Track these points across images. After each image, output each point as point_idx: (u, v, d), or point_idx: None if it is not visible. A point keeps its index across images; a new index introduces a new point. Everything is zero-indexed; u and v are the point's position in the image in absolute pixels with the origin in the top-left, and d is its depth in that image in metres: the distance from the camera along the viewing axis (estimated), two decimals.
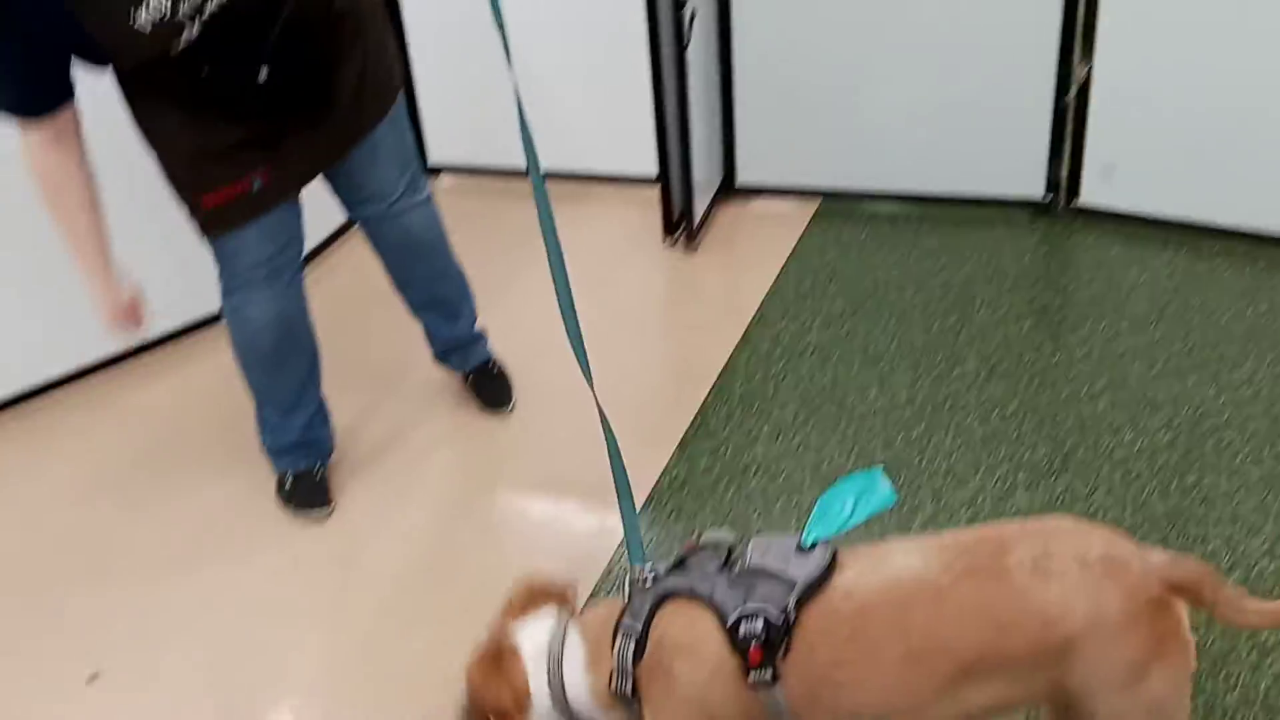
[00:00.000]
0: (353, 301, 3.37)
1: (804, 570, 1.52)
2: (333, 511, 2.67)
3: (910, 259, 3.43)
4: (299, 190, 2.42)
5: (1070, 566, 1.46)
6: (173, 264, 2.89)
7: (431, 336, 2.91)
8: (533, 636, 1.66)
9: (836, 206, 3.74)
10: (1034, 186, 3.52)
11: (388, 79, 2.45)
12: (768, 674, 1.49)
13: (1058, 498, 2.46)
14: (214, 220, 2.31)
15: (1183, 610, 1.49)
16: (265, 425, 2.66)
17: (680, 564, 1.61)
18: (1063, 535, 1.52)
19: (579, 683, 1.62)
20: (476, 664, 1.68)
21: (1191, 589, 1.49)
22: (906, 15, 3.41)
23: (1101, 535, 1.52)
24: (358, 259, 3.22)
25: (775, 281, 3.37)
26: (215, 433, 2.95)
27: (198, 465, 2.86)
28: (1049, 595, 1.44)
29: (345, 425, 2.84)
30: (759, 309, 3.25)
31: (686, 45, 3.27)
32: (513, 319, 3.15)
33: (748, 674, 1.50)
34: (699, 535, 1.65)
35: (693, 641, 1.54)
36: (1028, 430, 2.67)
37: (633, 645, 1.57)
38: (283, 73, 2.15)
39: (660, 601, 1.58)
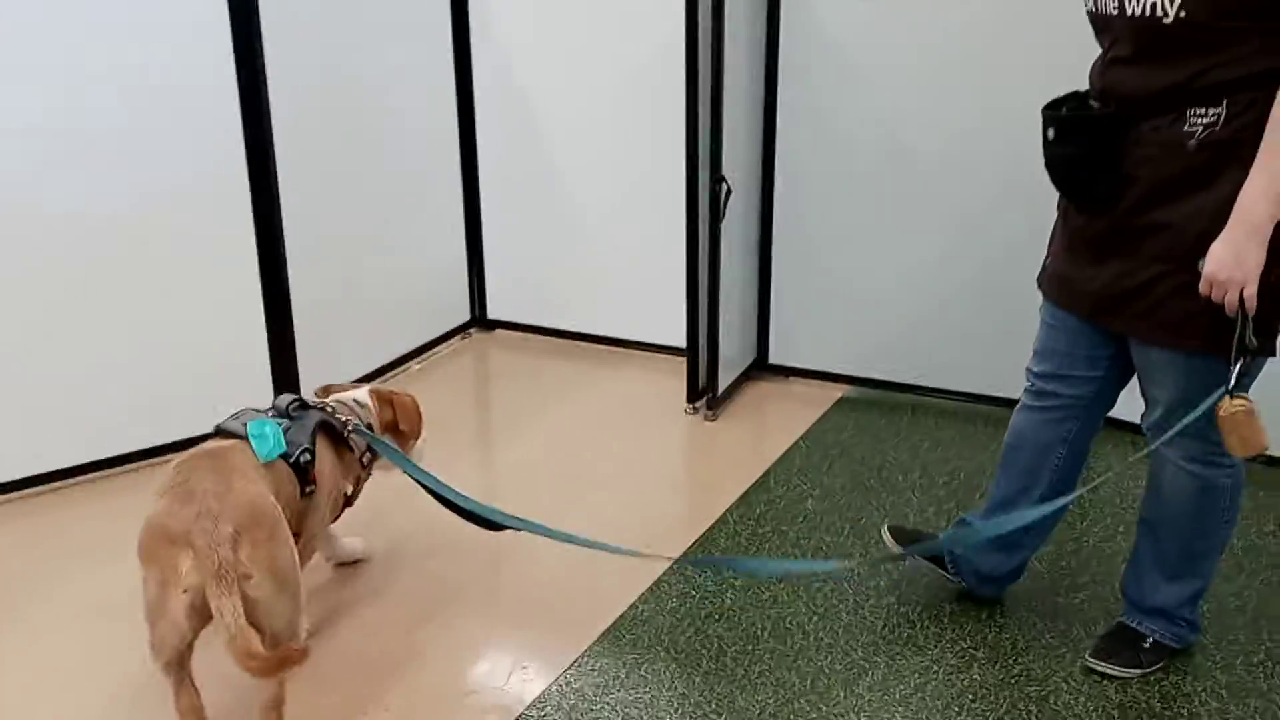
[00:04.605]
0: None
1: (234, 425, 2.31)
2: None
3: (922, 448, 3.47)
4: (1067, 313, 2.26)
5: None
6: None
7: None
8: None
9: (863, 394, 3.83)
10: None
11: (1179, 307, 2.01)
12: None
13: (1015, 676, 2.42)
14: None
15: (182, 563, 1.98)
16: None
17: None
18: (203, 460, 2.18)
19: None
20: None
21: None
22: (948, 216, 3.57)
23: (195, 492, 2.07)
24: None
25: (784, 454, 3.44)
26: None
27: None
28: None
29: None
30: (762, 476, 3.32)
31: (720, 220, 3.46)
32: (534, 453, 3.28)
33: None
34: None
35: None
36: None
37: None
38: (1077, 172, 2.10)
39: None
